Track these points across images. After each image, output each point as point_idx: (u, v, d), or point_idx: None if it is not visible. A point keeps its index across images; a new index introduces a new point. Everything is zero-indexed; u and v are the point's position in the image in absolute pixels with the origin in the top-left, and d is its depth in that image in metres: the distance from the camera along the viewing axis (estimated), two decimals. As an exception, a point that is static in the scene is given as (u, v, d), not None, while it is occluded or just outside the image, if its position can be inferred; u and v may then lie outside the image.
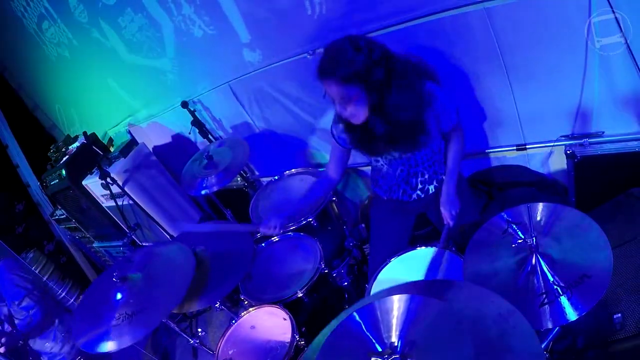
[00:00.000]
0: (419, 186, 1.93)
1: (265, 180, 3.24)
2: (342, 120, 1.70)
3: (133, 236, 3.37)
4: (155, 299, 1.86)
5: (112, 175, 3.06)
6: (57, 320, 2.83)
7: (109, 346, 1.76)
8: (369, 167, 2.18)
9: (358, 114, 1.58)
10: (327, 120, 1.92)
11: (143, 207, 3.29)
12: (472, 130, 2.36)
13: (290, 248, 2.32)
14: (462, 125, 1.90)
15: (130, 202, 3.23)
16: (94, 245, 4.07)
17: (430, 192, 1.95)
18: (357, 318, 1.17)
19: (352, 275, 2.48)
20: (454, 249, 1.80)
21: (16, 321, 2.72)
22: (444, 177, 1.93)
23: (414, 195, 1.95)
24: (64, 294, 3.97)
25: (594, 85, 1.90)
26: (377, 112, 1.55)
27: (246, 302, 2.12)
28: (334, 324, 1.32)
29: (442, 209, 1.86)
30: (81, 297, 2.58)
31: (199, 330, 2.81)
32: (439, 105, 1.68)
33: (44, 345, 2.77)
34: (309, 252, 2.23)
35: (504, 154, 2.41)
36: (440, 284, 1.44)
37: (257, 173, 3.58)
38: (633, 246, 1.68)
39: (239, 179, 3.40)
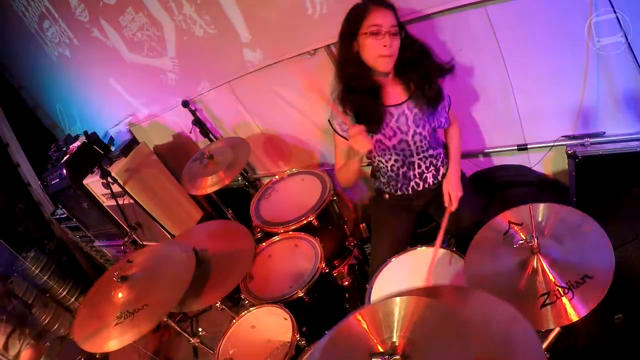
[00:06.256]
0: (416, 178, 1.97)
1: (265, 179, 3.24)
2: (351, 88, 1.75)
3: (134, 235, 3.37)
4: (156, 297, 1.86)
5: (112, 174, 3.06)
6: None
7: (110, 346, 1.75)
8: (369, 167, 2.18)
9: (395, 52, 1.69)
10: (327, 119, 1.92)
11: (144, 206, 3.29)
12: (473, 130, 2.36)
13: (291, 247, 2.32)
14: (457, 116, 2.04)
15: (131, 201, 3.23)
16: (94, 244, 4.07)
17: (430, 183, 1.96)
18: (359, 318, 1.17)
19: (353, 275, 2.48)
20: (455, 249, 1.80)
21: None
22: (442, 171, 1.99)
23: (413, 183, 1.98)
24: (64, 293, 3.98)
25: (595, 85, 1.90)
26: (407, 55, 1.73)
27: (247, 302, 2.12)
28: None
29: (444, 189, 1.93)
30: (85, 297, 2.53)
31: (200, 329, 2.80)
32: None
33: None
34: (310, 251, 2.23)
35: (505, 154, 2.40)
36: (444, 290, 1.44)
37: (257, 172, 3.58)
38: (634, 246, 1.67)
39: (239, 178, 3.40)
